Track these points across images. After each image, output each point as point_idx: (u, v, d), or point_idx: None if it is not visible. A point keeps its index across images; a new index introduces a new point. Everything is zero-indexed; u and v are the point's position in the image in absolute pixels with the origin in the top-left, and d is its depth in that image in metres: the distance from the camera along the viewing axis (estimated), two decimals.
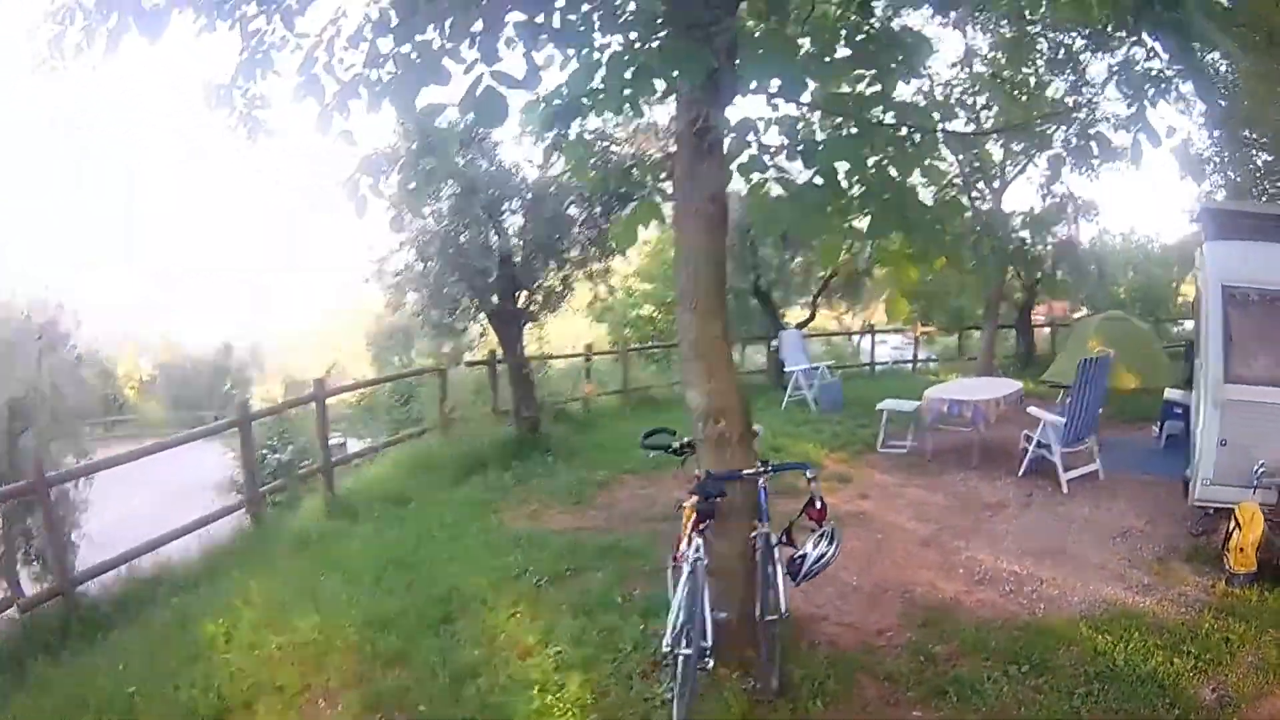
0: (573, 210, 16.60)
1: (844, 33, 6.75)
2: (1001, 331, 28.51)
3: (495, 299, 16.05)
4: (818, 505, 7.24)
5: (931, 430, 15.40)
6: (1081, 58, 20.85)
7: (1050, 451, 13.03)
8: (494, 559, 10.37)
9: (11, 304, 21.50)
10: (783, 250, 24.88)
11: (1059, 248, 25.80)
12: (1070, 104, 20.76)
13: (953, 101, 21.19)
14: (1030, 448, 13.49)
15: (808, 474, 7.50)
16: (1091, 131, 7.17)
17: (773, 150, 6.95)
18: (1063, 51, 20.30)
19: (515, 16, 5.78)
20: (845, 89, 7.12)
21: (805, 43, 6.75)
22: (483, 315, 16.56)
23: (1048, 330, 33.34)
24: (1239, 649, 7.70)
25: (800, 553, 7.05)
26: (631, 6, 6.51)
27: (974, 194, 23.21)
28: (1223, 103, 18.67)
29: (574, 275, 17.46)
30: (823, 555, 6.97)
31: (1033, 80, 20.34)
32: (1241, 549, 8.91)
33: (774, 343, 24.73)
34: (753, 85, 6.57)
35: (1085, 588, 9.21)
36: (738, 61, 6.22)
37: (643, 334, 37.33)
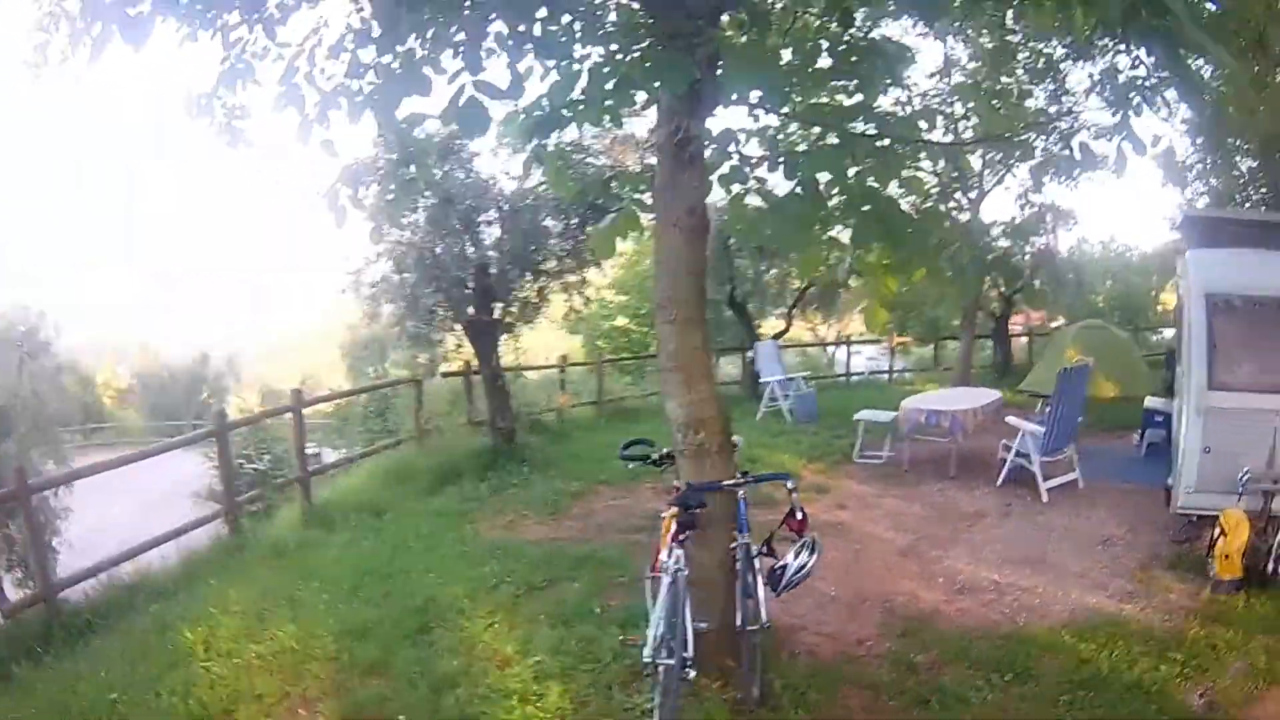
0: (549, 222, 16.62)
1: (825, 43, 6.73)
2: (978, 341, 28.56)
3: (471, 310, 16.02)
4: (798, 516, 7.20)
5: (909, 440, 15.38)
6: (1062, 67, 20.92)
7: (1029, 461, 13.02)
8: (470, 569, 10.34)
9: None
10: (758, 261, 24.98)
11: (1037, 257, 25.81)
12: (1052, 113, 20.84)
13: (933, 110, 21.24)
14: (1009, 457, 13.48)
15: (788, 485, 7.46)
16: (1075, 142, 7.15)
17: (753, 161, 6.94)
18: (1043, 61, 20.34)
19: (498, 27, 5.75)
20: (825, 100, 7.11)
21: (786, 54, 6.75)
22: (459, 326, 16.50)
23: (1025, 339, 33.48)
24: (1226, 655, 7.69)
25: (781, 563, 7.03)
26: (612, 17, 6.49)
27: (951, 204, 23.22)
28: (1206, 109, 18.72)
29: (550, 287, 17.47)
30: (803, 566, 6.95)
31: (1015, 90, 20.38)
32: (1227, 556, 8.93)
33: (749, 354, 24.79)
34: (734, 96, 6.56)
35: (1067, 596, 9.22)
36: (719, 72, 6.19)
37: (616, 345, 37.43)
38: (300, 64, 6.72)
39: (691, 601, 6.54)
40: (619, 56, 5.97)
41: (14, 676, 8.44)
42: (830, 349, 40.12)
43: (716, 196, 7.31)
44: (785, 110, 7.04)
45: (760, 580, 7.02)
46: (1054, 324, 34.72)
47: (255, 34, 7.01)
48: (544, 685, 7.29)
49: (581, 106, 6.11)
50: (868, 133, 6.61)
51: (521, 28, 5.79)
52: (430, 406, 18.43)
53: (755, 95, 6.64)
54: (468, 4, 5.78)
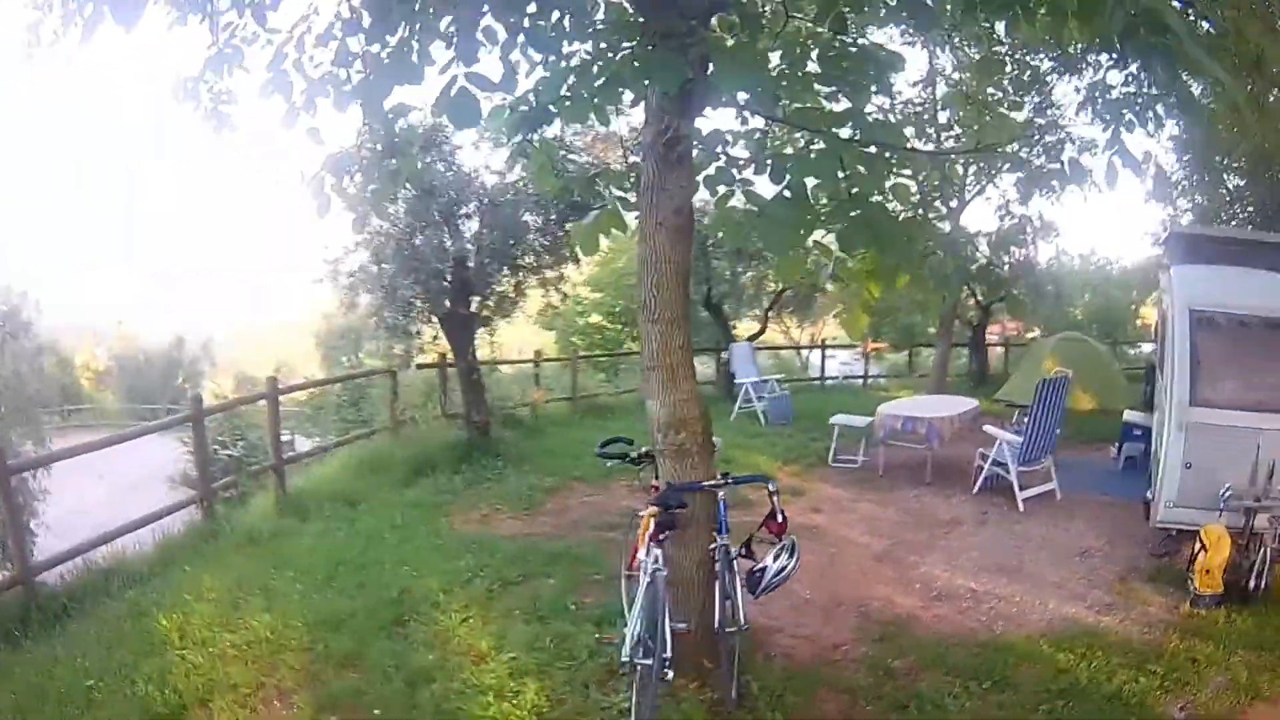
0: (528, 217, 16.58)
1: (815, 48, 6.71)
2: (954, 349, 28.67)
3: (448, 303, 15.98)
4: (778, 519, 7.22)
5: (884, 446, 15.40)
6: (1048, 79, 20.97)
7: (1006, 470, 13.04)
8: (445, 562, 10.31)
9: None
10: (735, 263, 25.02)
11: (1015, 268, 25.83)
12: (1041, 125, 20.89)
13: (922, 119, 21.26)
14: (986, 465, 13.50)
15: (769, 487, 7.45)
16: (1065, 156, 7.15)
17: (741, 164, 6.92)
18: (1029, 73, 20.38)
19: (489, 20, 5.71)
20: (812, 105, 7.09)
21: (775, 57, 6.74)
22: (435, 318, 16.47)
23: (1001, 350, 33.51)
24: (1207, 669, 7.70)
25: (760, 565, 7.06)
26: (601, 15, 6.46)
27: (931, 213, 23.24)
28: (1201, 127, 18.77)
29: (527, 282, 17.48)
30: (783, 568, 6.96)
31: (1005, 101, 20.40)
32: (1208, 571, 8.95)
33: (724, 355, 24.82)
34: (724, 98, 6.55)
35: (1044, 606, 9.23)
36: (710, 73, 6.16)
37: (590, 342, 37.47)
38: (289, 50, 6.72)
39: (669, 602, 6.53)
40: (609, 54, 5.94)
41: None
42: (804, 352, 40.12)
43: (698, 197, 7.33)
44: (774, 114, 7.02)
45: (739, 582, 7.03)
46: (1030, 335, 34.84)
47: (245, 19, 7.01)
48: (520, 682, 7.27)
49: (569, 103, 6.09)
50: (856, 139, 6.59)
51: (512, 20, 5.76)
52: (405, 398, 18.44)
53: (744, 98, 6.62)
54: None
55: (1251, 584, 8.98)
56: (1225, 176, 23.38)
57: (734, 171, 6.94)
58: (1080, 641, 8.17)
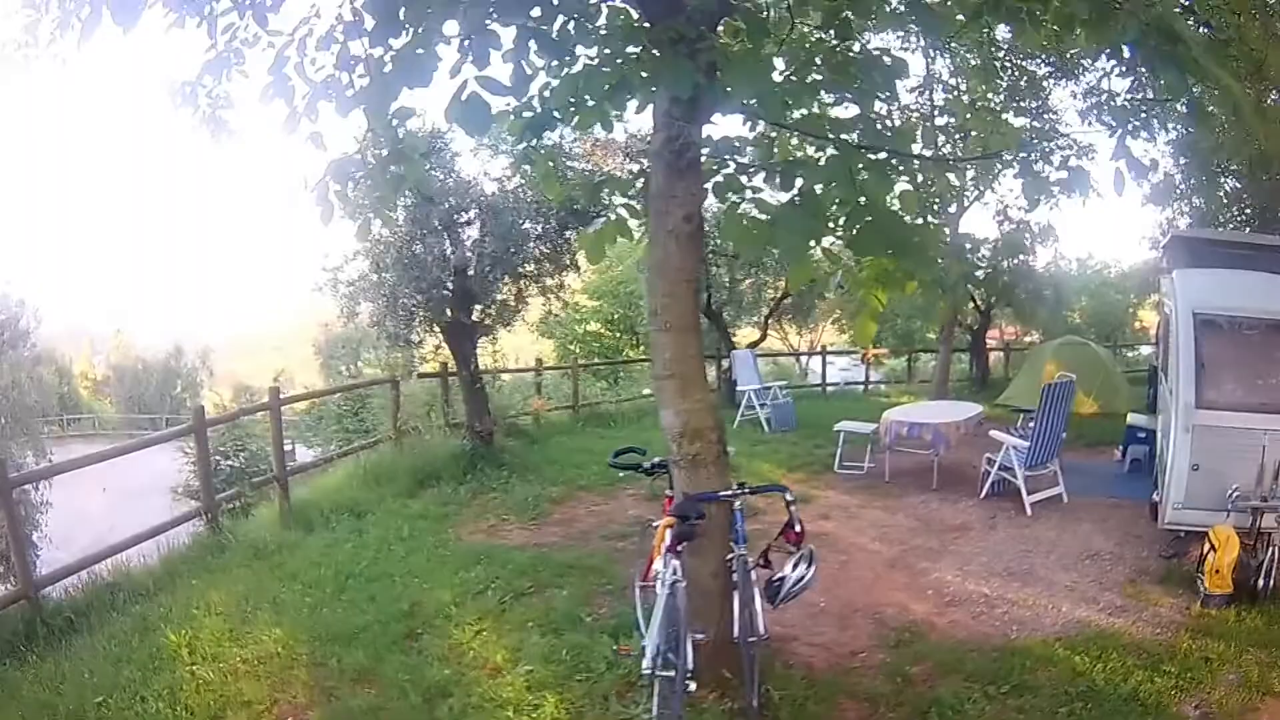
0: (529, 225, 16.52)
1: (819, 55, 6.69)
2: (953, 355, 28.52)
3: (449, 312, 15.93)
4: (796, 528, 7.23)
5: (890, 452, 15.34)
6: (1045, 84, 20.98)
7: (1013, 474, 13.01)
8: (455, 574, 10.27)
9: None
10: (735, 269, 24.93)
11: (1015, 273, 25.81)
12: (1048, 131, 20.89)
13: (929, 126, 21.26)
14: (992, 470, 13.48)
15: (787, 497, 7.44)
16: (1071, 162, 7.14)
17: (750, 170, 6.89)
18: (1025, 79, 20.36)
19: (494, 26, 5.67)
20: (818, 111, 7.08)
21: (780, 63, 6.72)
22: (437, 327, 16.45)
23: (1000, 354, 33.44)
24: (1219, 668, 7.72)
25: (779, 575, 7.03)
26: (603, 20, 6.43)
27: (931, 219, 23.25)
28: (1210, 131, 18.78)
29: (528, 289, 17.45)
30: (802, 578, 6.93)
31: (1009, 106, 20.38)
32: (1217, 571, 8.95)
33: (725, 362, 24.79)
34: (733, 104, 6.52)
35: (1058, 609, 9.21)
36: (718, 79, 6.13)
37: (589, 350, 37.50)
38: (290, 53, 6.66)
39: (687, 612, 6.49)
40: (615, 60, 5.91)
41: None
42: (803, 358, 40.12)
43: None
44: (782, 120, 7.00)
45: (757, 591, 6.98)
46: (1028, 339, 34.86)
47: (246, 20, 6.98)
48: (538, 695, 7.24)
49: (573, 108, 6.07)
50: (863, 145, 6.57)
51: (517, 23, 5.73)
52: (406, 408, 18.30)
53: (752, 104, 6.60)
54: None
55: (1260, 583, 9.00)
56: (1222, 180, 23.39)
57: (742, 179, 6.93)
58: (1095, 644, 8.16)
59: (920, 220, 8.76)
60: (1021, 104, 20.82)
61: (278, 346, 76.12)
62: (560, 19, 5.91)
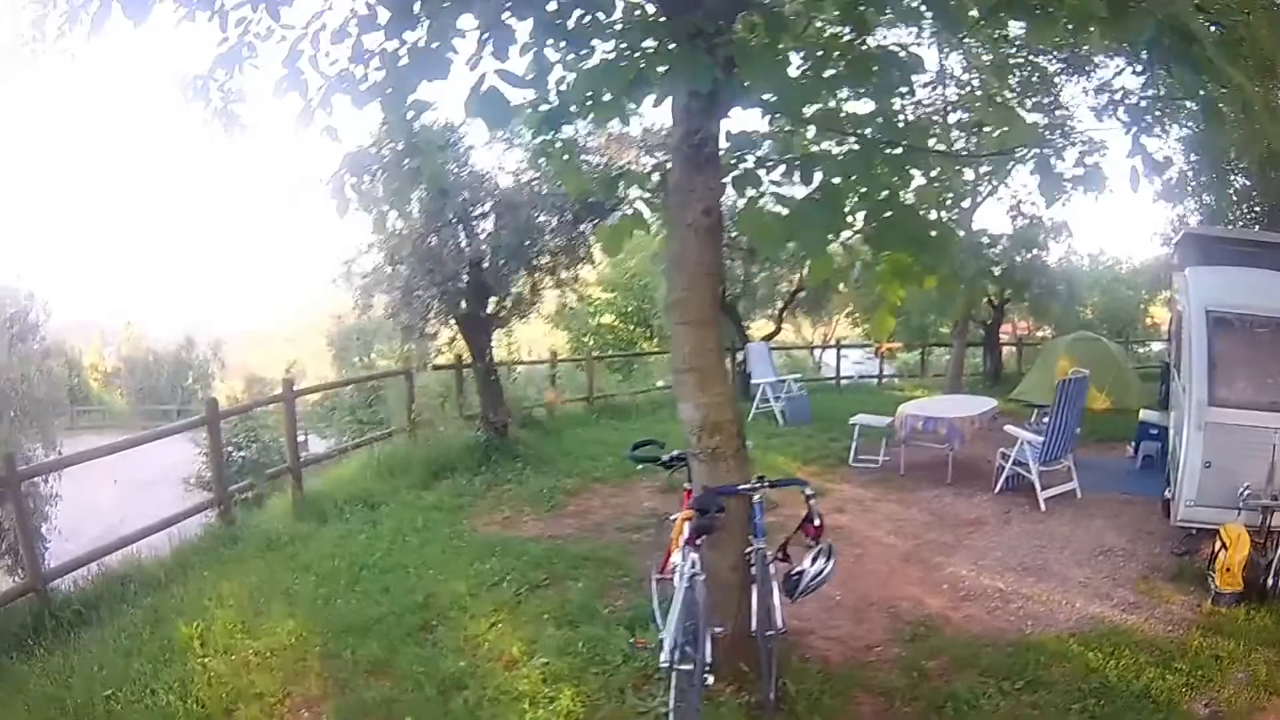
0: (544, 217, 16.47)
1: (836, 50, 6.68)
2: (966, 349, 28.53)
3: (465, 304, 15.93)
4: (815, 522, 7.23)
5: (905, 446, 15.34)
6: (1057, 81, 20.94)
7: (1027, 469, 13.01)
8: (469, 566, 10.26)
9: None
10: (749, 263, 24.85)
11: (1031, 268, 25.78)
12: (1059, 126, 20.87)
13: (949, 120, 21.25)
14: (1007, 465, 13.47)
15: (806, 491, 7.43)
16: (1088, 160, 7.13)
17: (769, 164, 6.89)
18: (1037, 75, 20.32)
19: (509, 20, 5.66)
20: (834, 106, 7.08)
21: (796, 59, 6.72)
22: (453, 320, 16.42)
23: (1013, 349, 33.43)
24: (1229, 666, 7.71)
25: (798, 569, 7.02)
26: (619, 14, 6.42)
27: (944, 214, 23.23)
28: (1224, 129, 18.77)
29: (544, 282, 17.42)
30: (820, 572, 6.94)
31: (1027, 104, 20.36)
32: (1228, 569, 8.94)
33: (739, 355, 24.68)
34: (753, 98, 6.51)
35: (1071, 605, 9.21)
36: (736, 73, 6.13)
37: (602, 342, 37.50)
38: (304, 47, 6.66)
39: (707, 606, 6.49)
40: (630, 53, 5.91)
41: (4, 669, 8.28)
42: (817, 352, 40.09)
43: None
44: (801, 115, 6.99)
45: (776, 585, 6.99)
46: (1039, 334, 34.82)
47: (259, 13, 6.94)
48: (554, 688, 7.23)
49: (590, 102, 6.06)
50: (882, 140, 6.57)
51: (532, 17, 5.72)
52: (420, 399, 18.24)
53: (771, 99, 6.60)
54: None
55: (1269, 582, 8.97)
56: (1231, 177, 23.37)
57: (760, 173, 6.93)
58: (1108, 640, 8.15)
59: (941, 216, 8.78)
60: (1033, 100, 20.79)
61: (290, 338, 75.97)
62: (577, 12, 5.90)
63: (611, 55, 5.97)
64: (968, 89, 21.56)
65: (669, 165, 7.58)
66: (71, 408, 48.70)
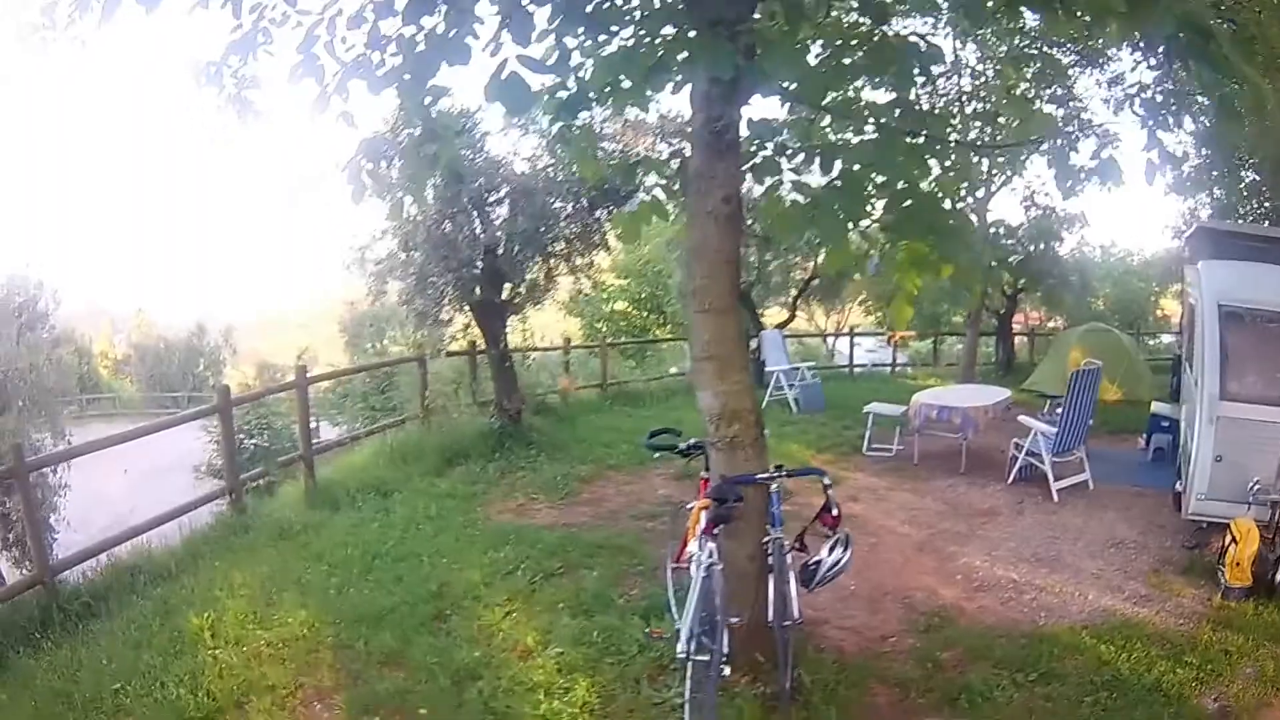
0: (558, 204, 16.38)
1: (855, 39, 6.66)
2: (979, 338, 28.44)
3: (479, 290, 15.86)
4: (833, 512, 7.20)
5: (919, 435, 15.31)
6: (1070, 73, 20.94)
7: (1041, 460, 12.99)
8: (483, 554, 10.22)
9: None
10: (763, 250, 24.78)
11: (1045, 259, 25.75)
12: (1073, 117, 20.85)
13: (949, 108, 21.22)
14: (1020, 456, 13.45)
15: (824, 481, 7.43)
16: (1105, 154, 7.08)
17: (789, 152, 6.88)
18: (1051, 67, 20.31)
19: (532, 5, 5.65)
20: (853, 95, 7.08)
21: (815, 47, 6.71)
22: (467, 306, 16.35)
23: (1025, 339, 33.32)
24: (1238, 660, 7.71)
25: (815, 559, 7.01)
26: (637, 1, 6.40)
27: (959, 204, 23.20)
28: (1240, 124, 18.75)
29: (558, 268, 17.35)
30: (837, 562, 6.93)
31: (1042, 97, 20.35)
32: (1237, 563, 8.90)
33: (753, 342, 24.59)
34: (774, 86, 6.49)
35: (1084, 597, 9.20)
36: (756, 60, 6.11)
37: (616, 329, 37.53)
38: (320, 32, 6.56)
39: (724, 596, 6.47)
40: (650, 40, 5.89)
41: (11, 664, 8.24)
42: (830, 339, 40.08)
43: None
44: (821, 104, 6.98)
45: (792, 575, 6.98)
46: (1050, 324, 34.80)
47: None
48: (569, 678, 7.23)
49: (610, 89, 6.05)
50: (903, 129, 6.56)
51: (556, 2, 5.72)
52: (433, 386, 18.16)
53: (791, 87, 6.58)
54: None
55: (1277, 578, 8.94)
56: (1242, 172, 23.39)
57: (780, 160, 6.92)
58: (1120, 633, 8.14)
59: (953, 205, 8.77)
60: (1048, 91, 20.78)
61: (301, 324, 76.19)
62: None
63: (631, 42, 5.96)
64: (982, 79, 21.57)
65: (688, 152, 7.58)
66: (81, 396, 48.77)
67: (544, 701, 6.90)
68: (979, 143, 19.16)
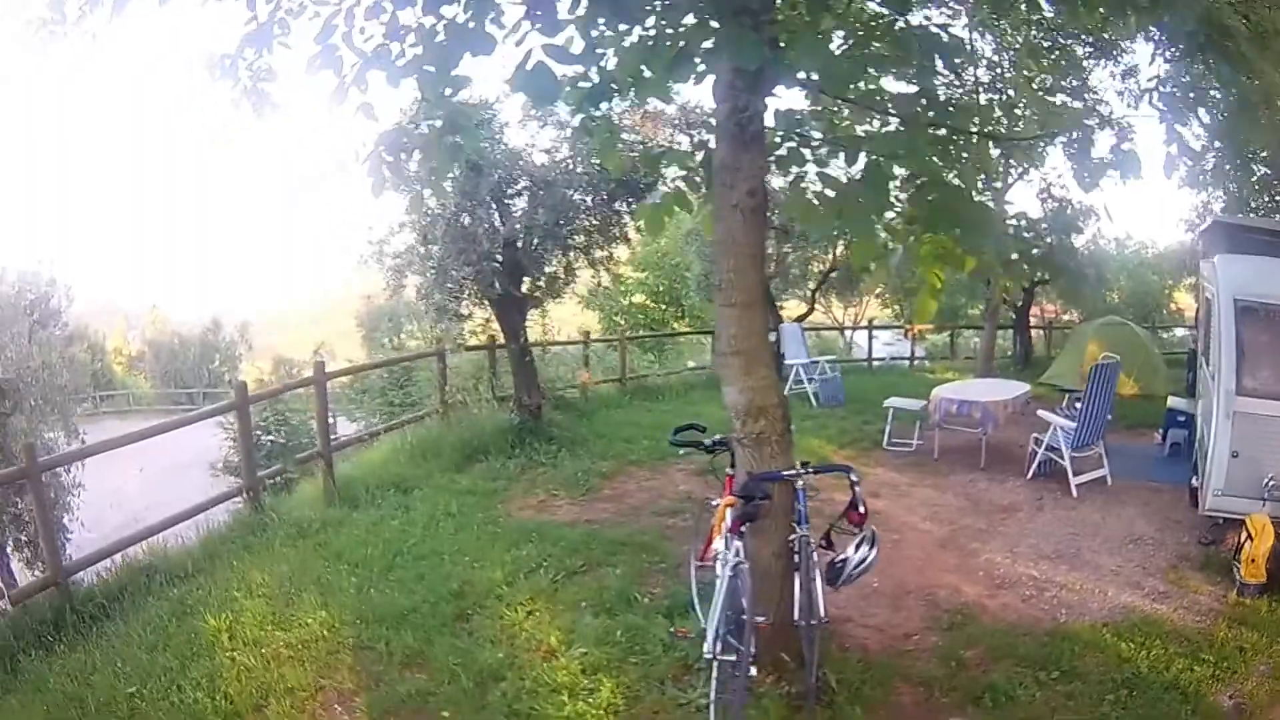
0: (578, 196, 16.25)
1: (877, 30, 6.65)
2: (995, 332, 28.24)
3: (499, 284, 15.78)
4: (860, 509, 7.18)
5: (939, 429, 15.32)
6: (1085, 64, 20.90)
7: (1060, 455, 12.98)
8: (505, 552, 10.20)
9: (1, 279, 21.26)
10: (781, 243, 24.73)
11: (1063, 252, 25.70)
12: (1090, 110, 20.80)
13: (976, 101, 21.20)
14: (1040, 450, 13.44)
15: (851, 477, 7.39)
16: (1125, 147, 7.07)
17: (815, 144, 6.87)
18: (1066, 59, 20.27)
19: None
20: (874, 87, 7.06)
21: (838, 38, 6.69)
22: (486, 300, 16.33)
23: (1041, 333, 33.28)
24: (1252, 657, 7.74)
25: (841, 556, 7.03)
26: None
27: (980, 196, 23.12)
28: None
29: (579, 261, 17.29)
30: (864, 560, 6.93)
31: (1060, 90, 20.32)
32: (1253, 560, 8.91)
33: (773, 336, 24.54)
34: (796, 77, 6.48)
35: (1104, 594, 9.21)
36: (781, 51, 6.10)
37: (633, 322, 37.49)
38: (338, 23, 6.54)
39: (752, 595, 6.47)
40: (671, 30, 5.87)
41: (23, 668, 8.13)
42: (848, 333, 40.07)
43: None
44: (846, 94, 6.97)
45: (818, 573, 6.98)
46: (1065, 317, 34.73)
47: None
48: (594, 679, 7.21)
49: (631, 79, 6.03)
50: (929, 121, 6.55)
51: None
52: (452, 380, 18.21)
53: (815, 78, 6.57)
54: None
55: None
56: (1254, 166, 23.36)
57: (805, 152, 6.91)
58: (1139, 630, 8.17)
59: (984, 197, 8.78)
60: (1063, 83, 20.74)
61: (317, 319, 76.19)
62: None
63: (652, 32, 5.94)
64: (998, 70, 21.54)
65: (711, 144, 7.59)
66: (94, 393, 48.81)
67: (568, 703, 6.88)
68: (1011, 135, 19.20)
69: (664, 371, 26.65)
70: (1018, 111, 18.04)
